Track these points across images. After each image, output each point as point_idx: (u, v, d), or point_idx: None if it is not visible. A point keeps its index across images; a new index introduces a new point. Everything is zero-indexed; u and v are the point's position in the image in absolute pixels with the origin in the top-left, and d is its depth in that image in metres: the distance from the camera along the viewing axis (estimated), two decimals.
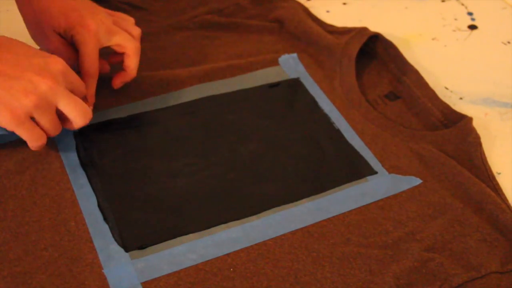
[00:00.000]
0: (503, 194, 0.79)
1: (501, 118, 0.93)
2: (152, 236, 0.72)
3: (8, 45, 0.72)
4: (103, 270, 0.69)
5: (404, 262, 0.72)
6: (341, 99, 0.91)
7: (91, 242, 0.71)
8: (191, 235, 0.73)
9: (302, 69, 0.95)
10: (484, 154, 0.83)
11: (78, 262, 0.69)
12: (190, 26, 1.01)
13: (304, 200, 0.78)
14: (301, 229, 0.75)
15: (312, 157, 0.83)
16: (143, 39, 0.90)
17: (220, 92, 0.90)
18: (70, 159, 0.79)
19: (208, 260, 0.71)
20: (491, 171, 0.82)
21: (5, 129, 0.72)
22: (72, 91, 0.74)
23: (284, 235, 0.74)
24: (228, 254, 0.71)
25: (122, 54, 0.85)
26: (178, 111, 0.87)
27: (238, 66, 0.94)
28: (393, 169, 0.82)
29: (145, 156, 0.81)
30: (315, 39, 0.98)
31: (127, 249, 0.71)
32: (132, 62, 0.85)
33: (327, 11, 1.10)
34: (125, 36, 0.84)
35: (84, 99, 0.79)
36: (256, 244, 0.73)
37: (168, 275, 0.69)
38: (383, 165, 0.82)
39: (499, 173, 0.84)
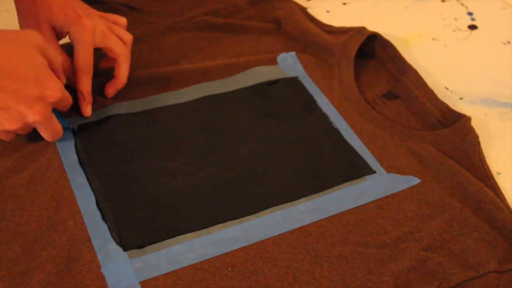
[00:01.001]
0: (502, 194, 0.79)
1: (501, 118, 0.93)
2: (151, 235, 0.72)
3: (11, 70, 0.71)
4: (101, 269, 0.69)
5: (402, 262, 0.72)
6: (339, 99, 0.91)
7: (90, 241, 0.71)
8: (189, 234, 0.73)
9: (301, 68, 0.95)
10: (482, 154, 0.83)
11: (77, 261, 0.69)
12: (188, 27, 1.01)
13: (302, 199, 0.77)
14: (300, 228, 0.74)
15: (311, 157, 0.83)
16: (141, 41, 0.90)
17: (218, 92, 0.90)
18: (69, 158, 0.79)
19: (206, 259, 0.71)
20: (489, 170, 0.81)
21: None
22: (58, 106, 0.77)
23: (282, 234, 0.74)
24: (226, 254, 0.71)
25: (112, 60, 0.87)
26: (176, 111, 0.87)
27: (236, 65, 0.94)
28: (391, 168, 0.82)
29: (143, 155, 0.81)
30: (313, 39, 0.99)
31: (125, 248, 0.71)
32: (122, 69, 0.87)
33: (327, 11, 1.10)
34: (117, 42, 0.86)
35: (81, 96, 0.83)
36: (254, 244, 0.73)
37: (167, 274, 0.69)
38: (381, 165, 0.82)
39: (499, 173, 0.83)
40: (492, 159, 0.85)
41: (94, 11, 0.86)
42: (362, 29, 0.99)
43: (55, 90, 0.74)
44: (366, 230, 0.75)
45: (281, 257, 0.72)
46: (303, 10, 1.06)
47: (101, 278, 0.68)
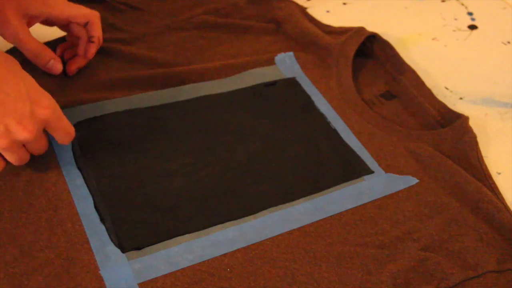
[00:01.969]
0: (500, 193, 0.79)
1: (501, 118, 0.93)
2: (149, 236, 0.72)
3: (2, 82, 0.69)
4: (99, 271, 0.68)
5: (401, 262, 0.72)
6: (337, 99, 0.91)
7: (88, 243, 0.71)
8: (188, 235, 0.73)
9: (298, 69, 0.95)
10: (480, 153, 0.83)
11: (75, 263, 0.69)
12: (187, 27, 1.01)
13: (301, 200, 0.77)
14: (298, 229, 0.74)
15: (309, 157, 0.83)
16: (140, 40, 0.90)
17: (216, 92, 0.90)
18: (66, 159, 0.79)
19: (205, 260, 0.70)
20: (487, 170, 0.81)
21: None
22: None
23: (281, 235, 0.74)
24: (225, 254, 0.71)
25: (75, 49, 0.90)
26: (174, 111, 0.87)
27: (234, 66, 0.94)
28: (389, 168, 0.82)
29: (141, 156, 0.81)
30: (312, 39, 0.99)
31: (124, 250, 0.71)
32: (99, 30, 0.89)
33: (327, 11, 1.10)
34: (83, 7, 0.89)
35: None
36: (253, 244, 0.73)
37: (165, 275, 0.69)
38: (379, 165, 0.82)
39: (499, 173, 0.83)
40: (492, 159, 0.85)
41: None
42: (361, 29, 0.99)
43: (47, 108, 0.71)
44: (365, 230, 0.75)
45: (280, 258, 0.71)
46: (303, 10, 1.06)
47: (100, 280, 0.68)
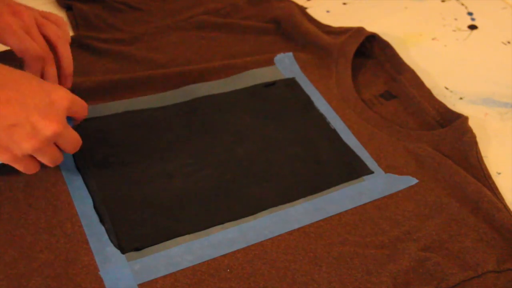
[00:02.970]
0: (499, 193, 0.79)
1: (501, 118, 0.93)
2: (149, 237, 0.72)
3: (13, 81, 0.68)
4: (99, 272, 0.69)
5: (401, 262, 0.71)
6: (337, 99, 0.91)
7: (87, 244, 0.71)
8: (187, 236, 0.73)
9: (298, 69, 0.95)
10: (480, 153, 0.83)
11: (75, 264, 0.69)
12: (187, 27, 1.01)
13: (300, 200, 0.77)
14: (298, 229, 0.74)
15: (308, 157, 0.83)
16: (139, 40, 0.90)
17: (215, 92, 0.90)
18: (66, 161, 0.79)
19: (204, 261, 0.70)
20: (487, 170, 0.81)
21: None
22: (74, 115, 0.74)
23: (280, 235, 0.74)
24: (224, 255, 0.71)
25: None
26: (174, 111, 0.87)
27: (233, 66, 0.94)
28: (389, 168, 0.82)
29: (141, 157, 0.81)
30: (312, 39, 0.99)
31: (123, 251, 0.71)
32: (67, 49, 0.82)
33: (327, 11, 1.10)
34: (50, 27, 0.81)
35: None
36: (252, 245, 0.73)
37: (165, 276, 0.69)
38: (379, 165, 0.82)
39: (499, 173, 0.83)
40: (492, 159, 0.85)
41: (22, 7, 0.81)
42: (360, 30, 0.99)
43: (63, 94, 0.70)
44: (365, 230, 0.75)
45: (280, 258, 0.71)
46: (302, 10, 1.06)
47: (99, 281, 0.68)
